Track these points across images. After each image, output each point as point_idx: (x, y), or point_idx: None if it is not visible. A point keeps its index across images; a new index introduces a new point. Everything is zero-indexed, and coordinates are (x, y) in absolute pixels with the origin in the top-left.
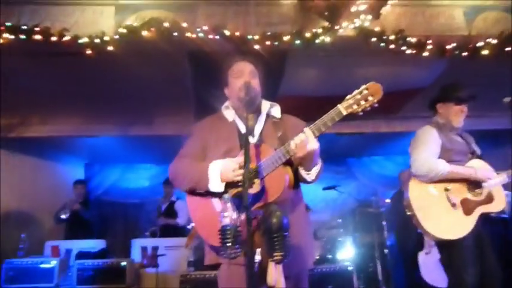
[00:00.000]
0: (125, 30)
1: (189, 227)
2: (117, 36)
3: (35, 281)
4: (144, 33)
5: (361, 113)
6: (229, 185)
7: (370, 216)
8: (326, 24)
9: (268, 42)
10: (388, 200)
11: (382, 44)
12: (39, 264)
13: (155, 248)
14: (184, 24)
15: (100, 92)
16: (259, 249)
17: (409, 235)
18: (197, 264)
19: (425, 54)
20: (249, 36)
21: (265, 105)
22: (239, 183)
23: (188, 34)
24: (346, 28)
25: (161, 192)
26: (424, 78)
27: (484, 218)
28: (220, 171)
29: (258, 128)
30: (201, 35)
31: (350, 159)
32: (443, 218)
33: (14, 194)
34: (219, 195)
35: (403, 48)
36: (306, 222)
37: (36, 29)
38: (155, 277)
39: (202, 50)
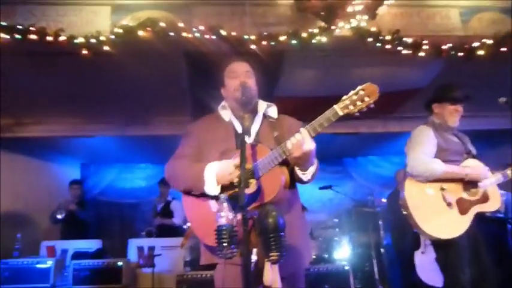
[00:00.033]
0: (120, 30)
1: (185, 226)
2: (113, 36)
3: (31, 281)
4: (140, 33)
5: (357, 114)
6: (226, 187)
7: (367, 216)
8: (322, 24)
9: (264, 43)
10: (384, 200)
11: (378, 44)
12: (35, 264)
13: (151, 248)
14: (181, 24)
15: (96, 92)
16: (255, 249)
17: (405, 234)
18: (193, 264)
19: (421, 54)
20: (246, 37)
21: (262, 105)
22: (235, 184)
23: (184, 34)
24: (343, 28)
25: (157, 192)
26: (420, 79)
27: (480, 217)
28: (217, 173)
29: (254, 128)
30: (197, 35)
31: (346, 159)
32: (439, 217)
33: (10, 194)
34: (215, 196)
35: (399, 48)
36: (302, 222)
37: (31, 28)
38: (151, 277)
39: (198, 50)
